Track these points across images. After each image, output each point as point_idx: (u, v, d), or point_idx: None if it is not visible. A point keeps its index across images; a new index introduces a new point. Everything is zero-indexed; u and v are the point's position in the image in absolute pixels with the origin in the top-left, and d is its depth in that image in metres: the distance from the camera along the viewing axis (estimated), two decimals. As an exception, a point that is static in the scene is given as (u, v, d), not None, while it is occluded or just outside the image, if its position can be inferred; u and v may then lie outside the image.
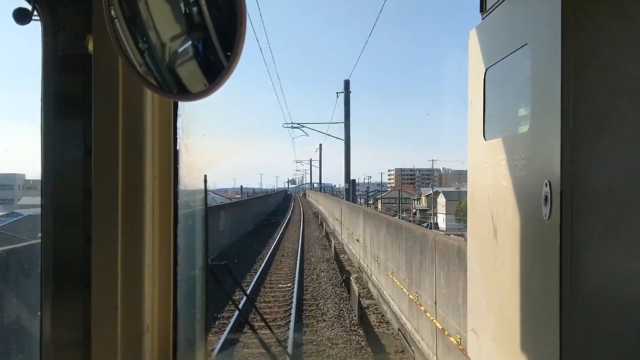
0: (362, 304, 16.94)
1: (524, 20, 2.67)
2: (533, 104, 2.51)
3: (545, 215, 2.25)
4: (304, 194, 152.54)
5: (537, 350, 2.40)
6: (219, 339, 12.51)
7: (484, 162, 3.17)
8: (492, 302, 2.97)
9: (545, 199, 2.25)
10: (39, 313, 1.71)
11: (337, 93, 46.44)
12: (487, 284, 3.07)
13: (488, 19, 3.18)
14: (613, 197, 2.18)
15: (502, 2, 2.94)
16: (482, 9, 3.28)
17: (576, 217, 2.14)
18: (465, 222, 3.37)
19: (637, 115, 2.18)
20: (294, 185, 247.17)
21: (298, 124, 50.80)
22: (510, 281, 2.66)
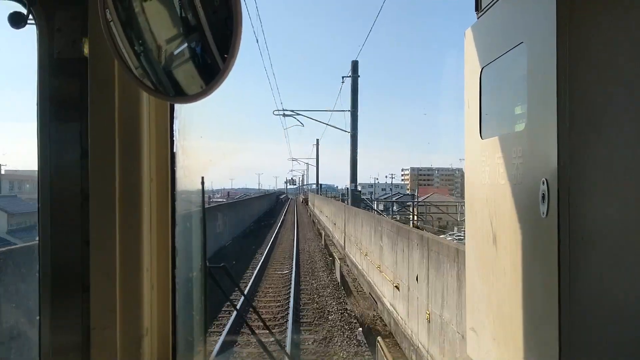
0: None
1: (519, 19, 2.68)
2: (529, 102, 2.52)
3: (543, 212, 2.25)
4: (305, 200, 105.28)
5: (537, 349, 2.40)
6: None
7: (481, 160, 3.17)
8: (491, 300, 2.98)
9: (543, 196, 2.25)
10: (38, 317, 1.71)
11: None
12: (486, 282, 3.07)
13: (483, 18, 3.19)
14: (610, 194, 2.18)
15: (497, 1, 2.95)
16: (478, 8, 3.29)
17: (573, 215, 2.15)
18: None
19: (633, 113, 2.19)
20: (293, 186, 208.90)
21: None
22: (509, 279, 2.66)
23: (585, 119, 2.17)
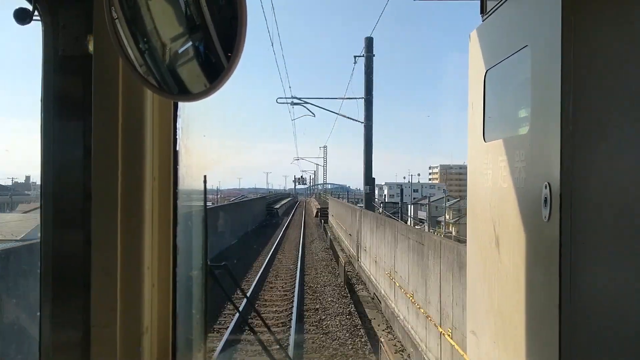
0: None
1: (524, 22, 2.68)
2: (533, 105, 2.51)
3: (545, 217, 2.25)
4: (322, 211, 59.11)
5: (537, 352, 2.40)
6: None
7: (484, 163, 3.17)
8: (492, 303, 2.97)
9: (545, 200, 2.25)
10: (38, 314, 1.71)
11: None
12: (487, 285, 3.07)
13: (488, 21, 3.18)
14: (612, 198, 2.18)
15: (502, 3, 2.94)
16: (483, 10, 3.29)
17: (575, 219, 2.15)
18: None
19: (636, 117, 2.18)
20: (303, 186, 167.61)
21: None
22: (511, 282, 2.66)
23: (588, 123, 2.17)
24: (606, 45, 2.19)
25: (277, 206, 74.34)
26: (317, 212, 62.36)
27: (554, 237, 2.18)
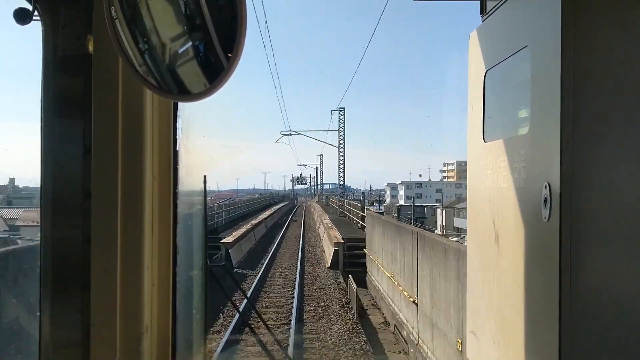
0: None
1: (524, 23, 2.68)
2: (533, 105, 2.51)
3: (545, 217, 2.25)
4: (349, 265, 20.54)
5: (537, 352, 2.40)
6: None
7: (483, 164, 3.17)
8: (492, 303, 2.97)
9: (545, 201, 2.25)
10: (38, 313, 1.71)
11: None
12: (487, 285, 3.07)
13: (488, 21, 3.19)
14: (612, 198, 2.18)
15: (502, 4, 2.94)
16: (483, 11, 3.29)
17: (575, 219, 2.15)
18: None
19: (636, 118, 2.18)
20: (303, 186, 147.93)
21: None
22: (511, 282, 2.66)
23: (588, 123, 2.17)
24: (606, 45, 2.20)
25: (230, 240, 25.37)
26: (333, 256, 24.17)
27: (553, 237, 2.18)
